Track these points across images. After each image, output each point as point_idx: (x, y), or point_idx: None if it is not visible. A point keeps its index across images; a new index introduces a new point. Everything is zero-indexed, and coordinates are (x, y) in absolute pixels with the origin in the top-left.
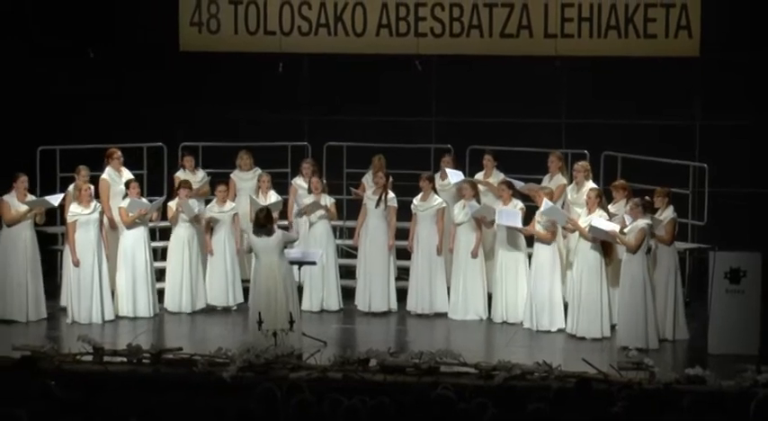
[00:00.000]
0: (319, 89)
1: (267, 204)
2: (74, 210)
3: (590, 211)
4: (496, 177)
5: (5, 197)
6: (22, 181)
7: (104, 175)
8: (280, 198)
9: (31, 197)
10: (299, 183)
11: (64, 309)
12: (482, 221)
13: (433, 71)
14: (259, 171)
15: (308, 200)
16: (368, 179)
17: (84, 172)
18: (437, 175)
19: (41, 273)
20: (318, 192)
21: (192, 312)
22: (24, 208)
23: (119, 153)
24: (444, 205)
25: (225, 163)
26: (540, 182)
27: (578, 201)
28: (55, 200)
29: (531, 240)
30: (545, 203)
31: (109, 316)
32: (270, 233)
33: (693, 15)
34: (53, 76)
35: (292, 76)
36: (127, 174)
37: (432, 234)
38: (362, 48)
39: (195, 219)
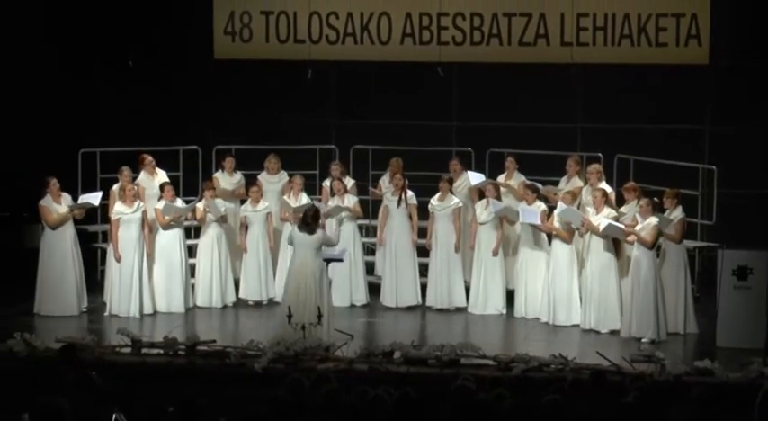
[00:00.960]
0: (346, 95)
1: (302, 204)
2: (118, 208)
3: (597, 211)
4: (517, 179)
5: (43, 202)
6: (54, 183)
7: (137, 180)
8: (310, 200)
9: (66, 196)
10: (328, 184)
11: (105, 304)
12: (505, 219)
13: (454, 78)
14: (285, 174)
15: (332, 202)
16: (385, 180)
17: (126, 172)
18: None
19: (83, 269)
20: (341, 193)
21: (223, 307)
22: (64, 209)
23: (149, 158)
24: (461, 205)
25: (256, 165)
26: (556, 183)
27: (591, 202)
28: (95, 199)
29: (551, 239)
30: (559, 206)
31: (147, 310)
32: (312, 231)
33: (703, 25)
34: (95, 82)
35: (321, 83)
36: (161, 177)
37: (449, 232)
38: (387, 55)
39: (221, 219)
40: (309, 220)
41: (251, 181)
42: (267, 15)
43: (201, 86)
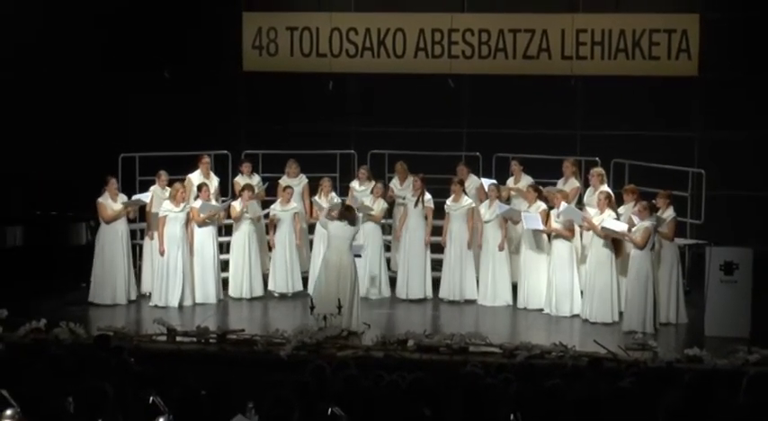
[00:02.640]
0: (364, 104)
1: (334, 203)
2: (166, 206)
3: (601, 212)
4: (525, 181)
5: (100, 199)
6: (113, 183)
7: (190, 175)
8: (339, 199)
9: (122, 195)
10: (354, 186)
11: (144, 295)
12: (510, 220)
13: (463, 88)
14: (304, 177)
15: (367, 201)
16: (396, 183)
17: (163, 176)
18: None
19: (132, 262)
20: (378, 195)
21: (252, 298)
22: (118, 206)
23: (206, 159)
24: (474, 205)
25: (281, 168)
26: (554, 185)
27: (593, 203)
28: (146, 197)
29: (551, 236)
30: (562, 205)
31: (187, 301)
32: (353, 223)
33: (692, 40)
34: (134, 93)
35: (341, 93)
36: (213, 179)
37: (462, 230)
38: (402, 68)
39: (258, 218)
40: (349, 214)
41: (273, 183)
42: (292, 31)
43: (231, 96)
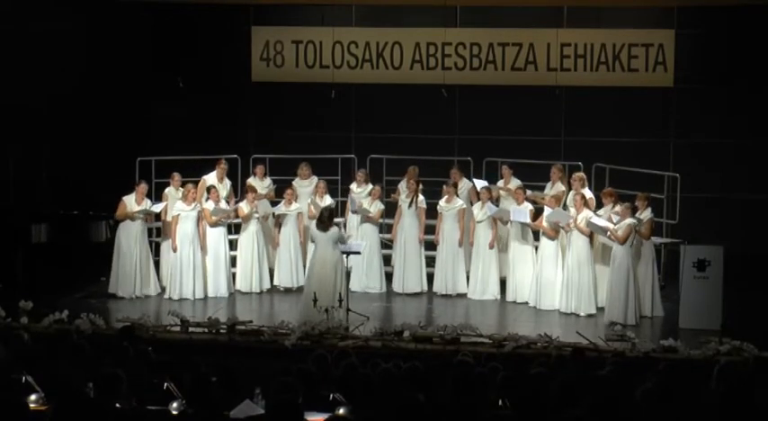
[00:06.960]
0: (364, 112)
1: (326, 205)
2: (179, 206)
3: (578, 212)
4: (514, 183)
5: (125, 197)
6: (143, 187)
7: (206, 177)
8: (332, 201)
9: (147, 201)
10: (353, 188)
11: (159, 288)
12: (500, 220)
13: (456, 98)
14: (315, 179)
15: (366, 203)
16: (402, 185)
17: (177, 177)
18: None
19: (148, 258)
20: (376, 197)
21: (259, 292)
22: (136, 208)
23: (224, 164)
24: (465, 206)
25: (287, 172)
26: (542, 188)
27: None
28: (157, 208)
29: (537, 235)
30: (547, 209)
31: (199, 294)
32: (326, 229)
33: (668, 54)
34: (152, 101)
35: (342, 102)
36: (226, 183)
37: (454, 229)
38: (399, 79)
39: (265, 218)
40: (325, 219)
41: (284, 185)
42: (297, 44)
43: (241, 104)
